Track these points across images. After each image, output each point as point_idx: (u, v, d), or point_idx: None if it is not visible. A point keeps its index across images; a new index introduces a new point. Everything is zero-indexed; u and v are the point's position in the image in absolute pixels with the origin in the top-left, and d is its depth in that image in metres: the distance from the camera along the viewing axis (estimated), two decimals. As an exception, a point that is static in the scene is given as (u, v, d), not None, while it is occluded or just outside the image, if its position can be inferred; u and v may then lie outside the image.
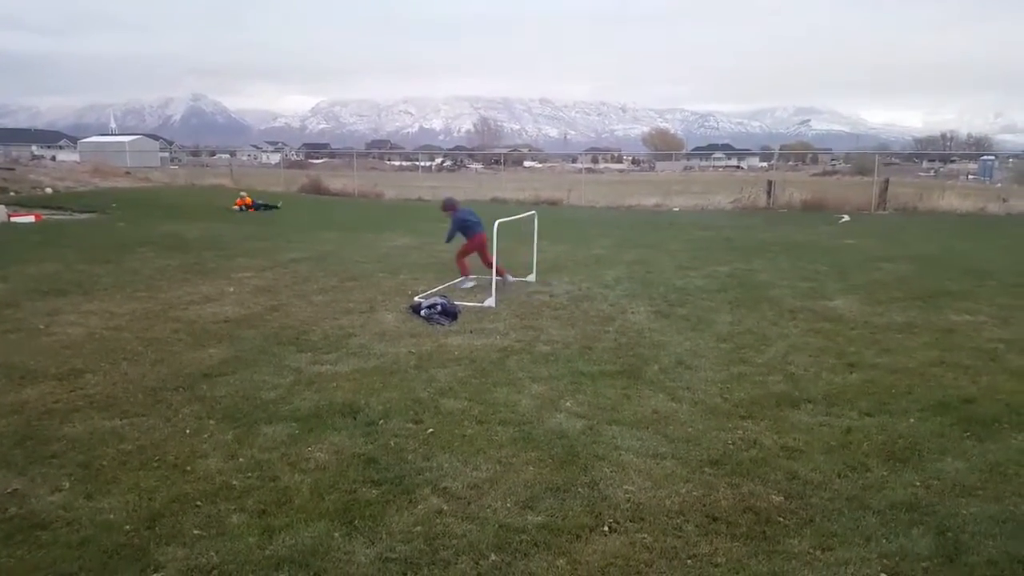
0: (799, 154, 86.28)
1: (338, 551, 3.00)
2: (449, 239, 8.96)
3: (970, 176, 47.70)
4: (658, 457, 3.94)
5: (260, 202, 20.57)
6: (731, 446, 4.09)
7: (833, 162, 71.50)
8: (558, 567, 2.92)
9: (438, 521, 3.25)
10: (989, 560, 2.96)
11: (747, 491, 3.55)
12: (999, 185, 34.03)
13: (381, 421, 4.40)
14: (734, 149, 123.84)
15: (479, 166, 72.32)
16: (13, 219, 16.09)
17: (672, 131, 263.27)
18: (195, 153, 72.18)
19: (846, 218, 18.88)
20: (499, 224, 7.95)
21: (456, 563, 2.93)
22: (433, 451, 3.98)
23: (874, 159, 29.18)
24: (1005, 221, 18.88)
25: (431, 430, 4.27)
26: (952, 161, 65.36)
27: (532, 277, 9.18)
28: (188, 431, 4.23)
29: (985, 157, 50.58)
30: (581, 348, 6.07)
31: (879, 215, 20.39)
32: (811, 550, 3.04)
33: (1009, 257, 11.67)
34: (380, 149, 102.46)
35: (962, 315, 7.35)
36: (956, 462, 3.88)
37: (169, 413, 4.52)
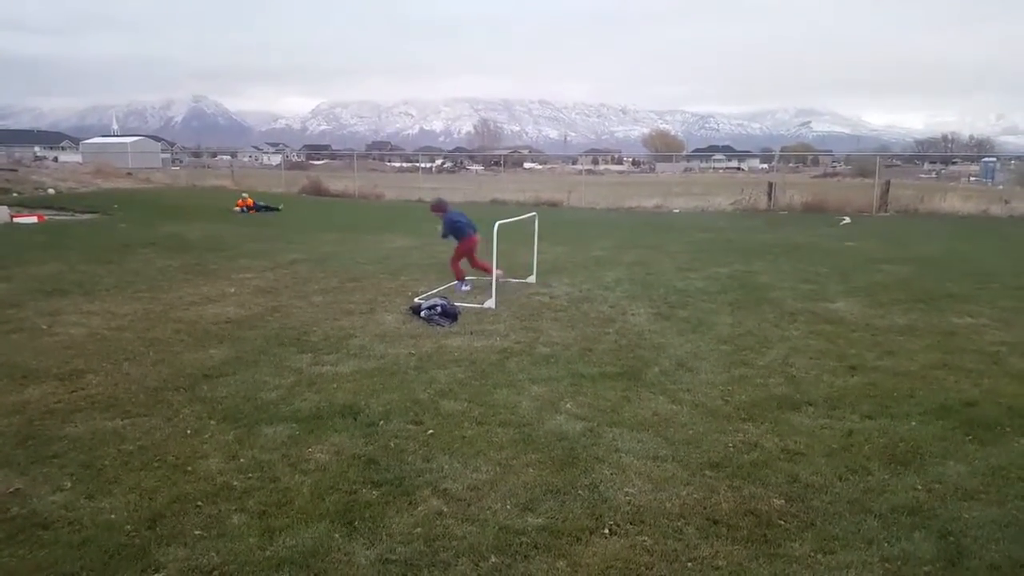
0: (800, 156, 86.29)
1: (338, 552, 3.01)
2: (445, 236, 8.95)
3: (972, 178, 47.57)
4: (658, 459, 3.94)
5: (261, 203, 20.56)
6: (732, 449, 4.09)
7: (834, 164, 71.45)
8: (558, 569, 2.91)
9: (438, 523, 3.25)
10: (991, 564, 2.96)
11: (748, 494, 3.55)
12: (1001, 187, 33.94)
13: (381, 422, 4.40)
14: (734, 151, 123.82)
15: (479, 168, 72.34)
16: (16, 220, 16.13)
17: (672, 132, 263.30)
18: (196, 154, 72.18)
19: (847, 220, 18.85)
20: (499, 225, 7.94)
21: (456, 565, 2.93)
22: (433, 452, 3.98)
23: (875, 161, 29.14)
24: (1007, 223, 18.84)
25: (431, 431, 4.27)
26: (954, 163, 65.29)
27: (532, 278, 9.18)
28: (189, 431, 4.24)
29: (987, 159, 50.55)
30: (581, 350, 6.06)
31: (880, 217, 20.37)
32: (812, 553, 3.04)
33: (1011, 259, 11.65)
34: (380, 150, 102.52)
35: (964, 318, 7.33)
36: (958, 465, 3.87)
37: (170, 413, 4.52)
